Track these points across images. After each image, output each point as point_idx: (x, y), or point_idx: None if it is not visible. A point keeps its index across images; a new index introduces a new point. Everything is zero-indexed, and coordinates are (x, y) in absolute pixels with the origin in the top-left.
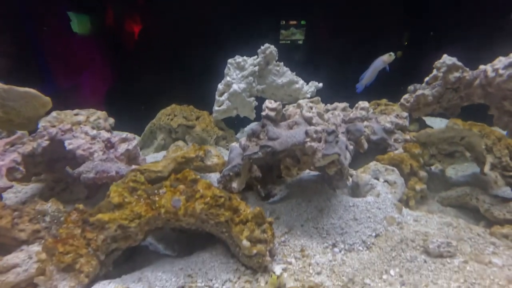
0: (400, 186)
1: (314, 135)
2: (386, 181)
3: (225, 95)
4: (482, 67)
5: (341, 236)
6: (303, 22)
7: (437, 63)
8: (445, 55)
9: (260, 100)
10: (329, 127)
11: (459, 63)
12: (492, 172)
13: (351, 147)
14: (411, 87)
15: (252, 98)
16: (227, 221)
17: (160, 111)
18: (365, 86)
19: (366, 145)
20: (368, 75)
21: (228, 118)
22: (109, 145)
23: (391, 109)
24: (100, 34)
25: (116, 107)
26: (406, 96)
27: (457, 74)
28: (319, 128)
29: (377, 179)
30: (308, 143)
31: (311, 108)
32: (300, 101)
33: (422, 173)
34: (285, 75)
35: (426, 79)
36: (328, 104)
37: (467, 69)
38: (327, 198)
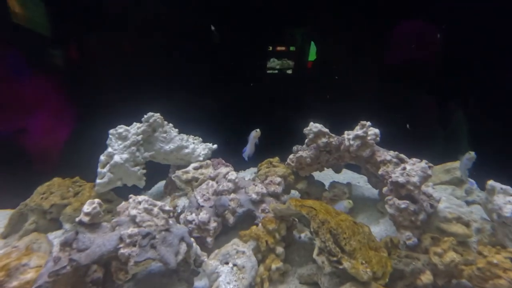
0: (249, 270)
1: (128, 240)
2: (235, 265)
3: (107, 166)
4: (345, 133)
5: None
6: (292, 48)
7: (305, 130)
8: (311, 123)
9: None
10: (144, 230)
11: (325, 130)
12: (319, 257)
13: (214, 224)
14: (294, 148)
15: (138, 167)
16: None
17: (36, 189)
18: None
19: (232, 220)
20: (248, 147)
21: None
22: None
23: (273, 171)
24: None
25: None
26: (291, 156)
27: (324, 140)
28: (135, 231)
29: (228, 263)
30: (122, 250)
31: (140, 203)
32: (131, 196)
33: (279, 249)
34: (173, 141)
35: (306, 140)
36: (213, 170)
37: (333, 135)
38: None
